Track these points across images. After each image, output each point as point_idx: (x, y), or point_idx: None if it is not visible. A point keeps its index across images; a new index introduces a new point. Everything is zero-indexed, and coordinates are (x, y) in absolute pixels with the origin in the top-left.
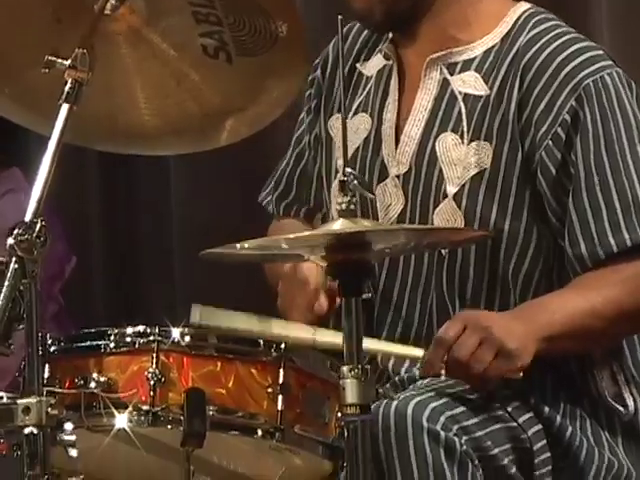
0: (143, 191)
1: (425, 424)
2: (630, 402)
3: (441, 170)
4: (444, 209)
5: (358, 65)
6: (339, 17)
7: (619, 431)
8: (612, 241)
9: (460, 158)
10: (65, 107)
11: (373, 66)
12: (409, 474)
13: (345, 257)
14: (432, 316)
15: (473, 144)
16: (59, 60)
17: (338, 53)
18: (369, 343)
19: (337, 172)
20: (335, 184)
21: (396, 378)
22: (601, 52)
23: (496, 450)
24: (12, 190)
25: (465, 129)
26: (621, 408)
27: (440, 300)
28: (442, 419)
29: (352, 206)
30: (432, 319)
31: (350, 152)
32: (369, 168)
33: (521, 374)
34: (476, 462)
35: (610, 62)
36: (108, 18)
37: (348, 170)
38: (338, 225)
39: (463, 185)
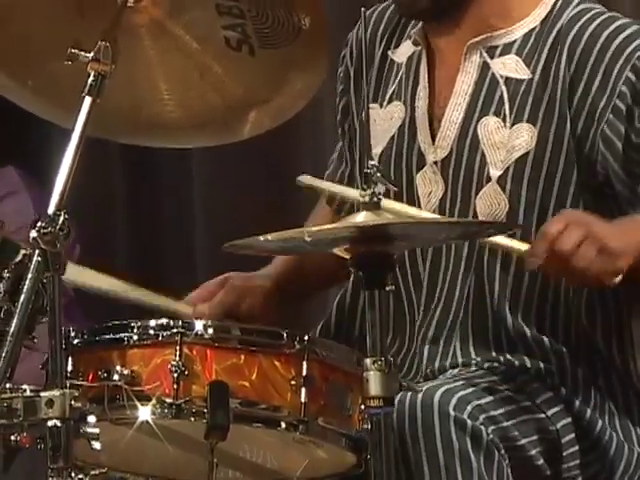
0: (166, 175)
1: (452, 412)
2: None
3: (483, 154)
4: (487, 193)
5: (389, 52)
6: (362, 10)
7: None
8: None
9: (503, 141)
10: (88, 100)
11: (403, 53)
12: (436, 463)
13: (368, 249)
14: (469, 300)
15: (516, 127)
16: (82, 53)
17: (364, 43)
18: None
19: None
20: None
21: (428, 369)
22: None
23: (523, 441)
24: (11, 193)
25: (507, 112)
26: None
27: (478, 284)
28: (469, 408)
29: (375, 198)
30: (468, 304)
31: (385, 141)
32: (406, 156)
33: (618, 278)
34: (503, 452)
35: None
36: (131, 10)
37: (371, 162)
38: (361, 217)
39: (507, 168)
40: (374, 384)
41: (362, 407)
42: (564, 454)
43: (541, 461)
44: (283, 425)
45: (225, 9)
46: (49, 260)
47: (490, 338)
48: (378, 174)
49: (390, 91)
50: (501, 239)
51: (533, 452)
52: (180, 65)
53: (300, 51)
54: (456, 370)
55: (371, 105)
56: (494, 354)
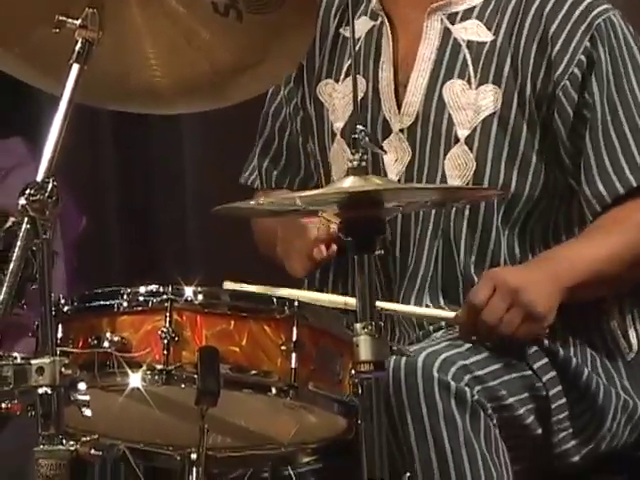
0: (156, 150)
1: (435, 375)
2: (634, 341)
3: (450, 116)
4: (455, 153)
5: (341, 30)
6: None
7: (623, 369)
8: (630, 176)
9: (469, 102)
10: (76, 67)
11: (359, 28)
12: (421, 426)
13: (357, 214)
14: (437, 265)
15: (481, 88)
16: (69, 20)
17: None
18: (400, 307)
19: (334, 136)
20: (335, 147)
21: (420, 332)
22: None
23: (511, 399)
24: (19, 165)
25: (472, 74)
26: (627, 347)
27: (447, 249)
28: (453, 369)
29: (363, 163)
30: (437, 269)
31: (347, 115)
32: (371, 127)
33: (547, 331)
34: (489, 411)
35: (609, 5)
36: None
37: (359, 127)
38: (349, 182)
39: (475, 128)
40: (364, 348)
41: (352, 372)
42: (552, 407)
43: (530, 419)
44: (273, 390)
45: None
46: (38, 227)
47: (460, 297)
48: (367, 138)
49: (346, 66)
50: (428, 310)
51: (521, 411)
52: (168, 31)
53: (288, 16)
54: (440, 332)
55: (326, 80)
56: None
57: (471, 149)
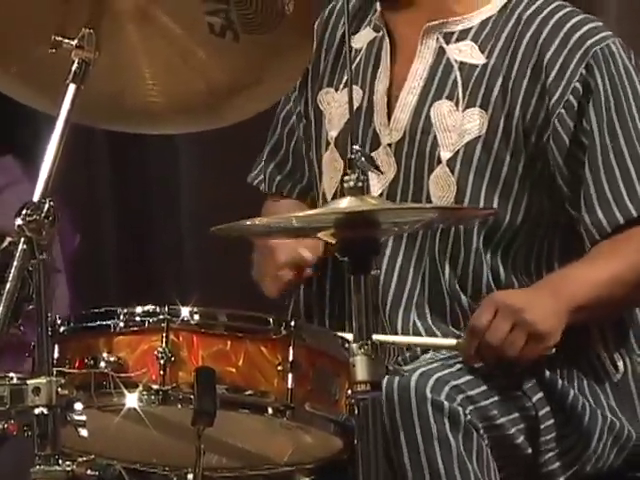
0: (152, 162)
1: (429, 395)
2: (620, 363)
3: (435, 136)
4: (438, 175)
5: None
6: None
7: (610, 390)
8: (630, 205)
9: (455, 125)
10: (72, 87)
11: (362, 39)
12: (414, 446)
13: (353, 234)
14: (424, 284)
15: (468, 111)
16: (66, 40)
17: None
18: (399, 339)
19: (328, 144)
20: (327, 156)
21: (408, 354)
22: (601, 23)
23: (502, 419)
24: (12, 183)
25: (460, 96)
26: (613, 369)
27: (433, 267)
28: (446, 389)
29: (360, 183)
30: (424, 286)
31: (342, 125)
32: (362, 138)
33: (553, 350)
34: (481, 431)
35: (610, 32)
36: None
37: (356, 147)
38: (345, 203)
39: (457, 151)
40: (361, 369)
41: (349, 392)
42: (541, 427)
43: (521, 439)
44: (270, 411)
45: None
46: (35, 247)
47: (447, 313)
48: (362, 159)
49: (346, 76)
50: (429, 339)
51: (512, 430)
52: (164, 51)
53: (284, 36)
54: (430, 354)
55: (327, 89)
56: (452, 328)
57: (452, 172)
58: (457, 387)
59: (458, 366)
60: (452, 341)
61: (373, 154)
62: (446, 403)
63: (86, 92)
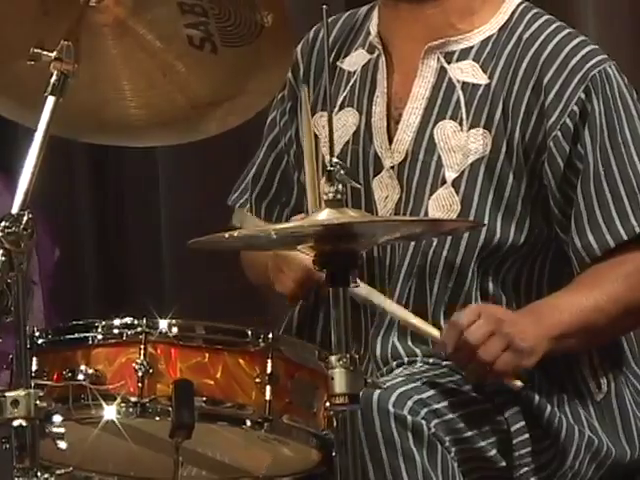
0: (132, 182)
1: (391, 409)
2: (603, 381)
3: (440, 157)
4: (441, 195)
5: (337, 62)
6: (324, 7)
7: (592, 409)
8: (621, 229)
9: (460, 145)
10: (51, 99)
11: (355, 62)
12: (379, 461)
13: (333, 247)
14: (409, 300)
15: (472, 131)
16: (45, 52)
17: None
18: (395, 308)
19: (325, 168)
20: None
21: (385, 368)
22: (597, 46)
23: (470, 432)
24: None
25: (464, 116)
26: (596, 388)
27: (419, 290)
28: (409, 403)
29: (339, 196)
30: (409, 303)
31: (339, 147)
32: (363, 162)
33: (521, 384)
34: (447, 444)
35: (606, 55)
36: (94, 10)
37: (335, 160)
38: (324, 215)
39: (463, 171)
40: (339, 381)
41: (327, 404)
42: (514, 442)
43: (493, 452)
44: (248, 423)
45: (188, 7)
46: (13, 260)
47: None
48: (342, 172)
49: (341, 98)
50: (416, 320)
51: (483, 443)
52: (143, 64)
53: (263, 49)
54: (400, 368)
55: (321, 113)
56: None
57: (457, 192)
58: (421, 401)
59: (423, 380)
60: (436, 331)
61: (377, 178)
62: (409, 417)
63: (66, 105)
